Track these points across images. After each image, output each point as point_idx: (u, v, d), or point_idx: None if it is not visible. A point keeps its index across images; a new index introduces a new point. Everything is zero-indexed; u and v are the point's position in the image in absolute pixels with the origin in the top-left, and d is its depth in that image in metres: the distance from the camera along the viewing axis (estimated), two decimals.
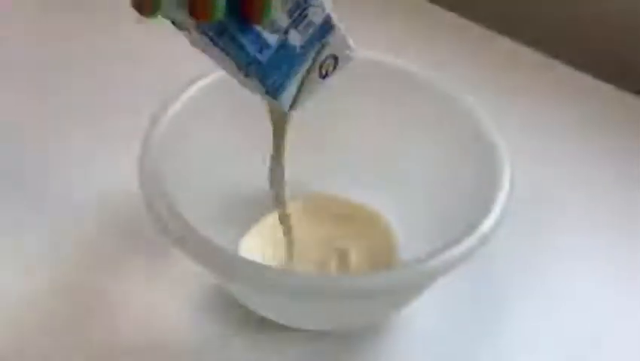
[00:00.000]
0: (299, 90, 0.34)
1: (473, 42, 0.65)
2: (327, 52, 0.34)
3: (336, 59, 0.34)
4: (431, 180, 0.45)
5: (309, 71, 0.34)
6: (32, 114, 0.56)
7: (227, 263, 0.35)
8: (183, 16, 0.29)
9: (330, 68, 0.34)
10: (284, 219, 0.42)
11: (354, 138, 0.47)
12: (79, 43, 0.62)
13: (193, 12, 0.28)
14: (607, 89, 0.61)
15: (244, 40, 0.31)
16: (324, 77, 0.34)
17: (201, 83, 0.43)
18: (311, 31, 0.33)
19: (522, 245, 0.48)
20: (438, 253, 0.35)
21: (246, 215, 0.47)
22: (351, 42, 0.34)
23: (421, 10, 0.69)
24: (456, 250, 0.35)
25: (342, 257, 0.46)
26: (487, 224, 0.37)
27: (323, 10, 0.32)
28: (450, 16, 0.68)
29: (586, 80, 0.62)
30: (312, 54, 0.33)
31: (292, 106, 0.35)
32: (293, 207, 0.46)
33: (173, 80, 0.42)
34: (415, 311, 0.44)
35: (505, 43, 0.65)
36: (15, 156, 0.53)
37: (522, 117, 0.58)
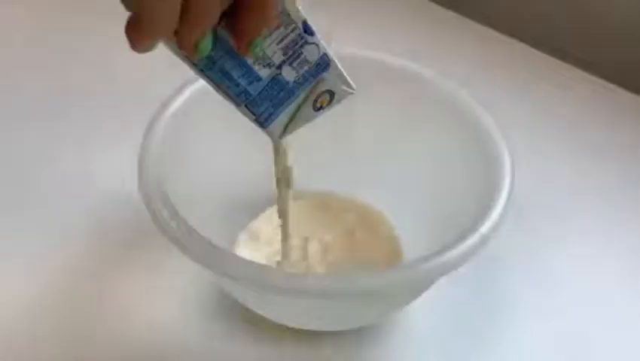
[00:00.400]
0: (291, 119, 0.35)
1: (474, 41, 0.65)
2: (322, 87, 0.34)
3: (332, 94, 0.35)
4: (432, 181, 0.45)
5: (302, 104, 0.34)
6: (31, 114, 0.56)
7: (227, 263, 0.35)
8: (174, 49, 0.30)
9: (326, 102, 0.35)
10: (283, 224, 0.42)
11: (354, 137, 0.47)
12: (79, 41, 0.62)
13: (181, 46, 0.29)
14: (610, 88, 0.61)
15: (234, 73, 0.32)
16: (318, 109, 0.35)
17: (200, 83, 0.43)
18: (306, 68, 0.33)
19: (523, 245, 0.48)
20: (438, 253, 0.35)
21: (245, 214, 0.47)
22: (349, 79, 0.35)
23: (421, 8, 0.69)
24: (456, 251, 0.35)
25: (343, 256, 0.46)
26: (488, 225, 0.36)
27: (319, 49, 0.33)
28: (450, 15, 0.68)
29: (588, 79, 0.62)
30: (307, 89, 0.34)
31: (283, 134, 0.36)
32: (295, 206, 0.46)
33: (173, 80, 0.42)
34: (415, 311, 0.44)
35: (507, 43, 0.65)
36: (14, 155, 0.53)
37: (524, 116, 0.58)
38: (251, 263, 0.36)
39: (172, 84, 0.42)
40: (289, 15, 0.31)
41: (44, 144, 0.54)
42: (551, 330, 0.44)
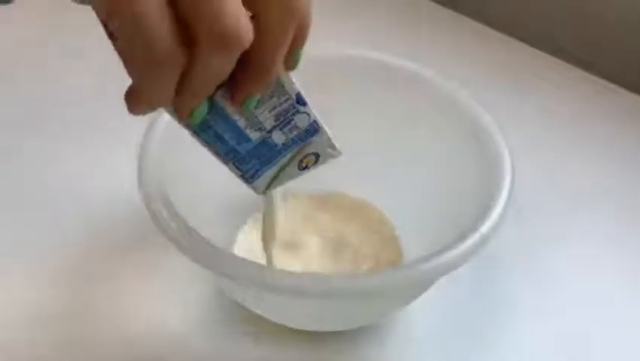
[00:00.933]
0: (275, 177, 0.36)
1: (474, 41, 0.65)
2: (309, 150, 0.35)
3: (318, 156, 0.36)
4: (432, 181, 0.45)
5: (288, 164, 0.36)
6: (31, 115, 0.56)
7: (226, 263, 0.35)
8: (168, 110, 0.31)
9: (312, 163, 0.36)
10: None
11: (353, 137, 0.47)
12: (79, 41, 0.62)
13: (177, 112, 0.30)
14: (610, 87, 0.61)
15: (226, 135, 0.33)
16: (303, 169, 0.36)
17: None
18: (295, 132, 0.34)
19: (523, 245, 0.48)
20: (438, 253, 0.35)
21: (245, 214, 0.47)
22: (336, 143, 0.36)
23: (421, 8, 0.69)
24: (456, 251, 0.35)
25: (342, 256, 0.46)
26: (488, 225, 0.36)
27: (310, 117, 0.34)
28: (451, 15, 0.68)
29: (589, 79, 0.62)
30: (294, 150, 0.35)
31: (267, 189, 0.37)
32: (299, 202, 0.46)
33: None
34: (415, 311, 0.44)
35: (507, 42, 0.65)
36: (14, 155, 0.53)
37: (524, 116, 0.58)
38: (250, 263, 0.36)
39: None
40: (283, 86, 0.32)
41: (43, 145, 0.54)
42: (551, 330, 0.44)
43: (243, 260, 0.36)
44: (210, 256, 0.35)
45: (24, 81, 0.59)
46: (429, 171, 0.45)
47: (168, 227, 0.36)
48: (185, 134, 0.42)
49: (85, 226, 0.48)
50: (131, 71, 0.27)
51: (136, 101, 0.28)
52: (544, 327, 0.44)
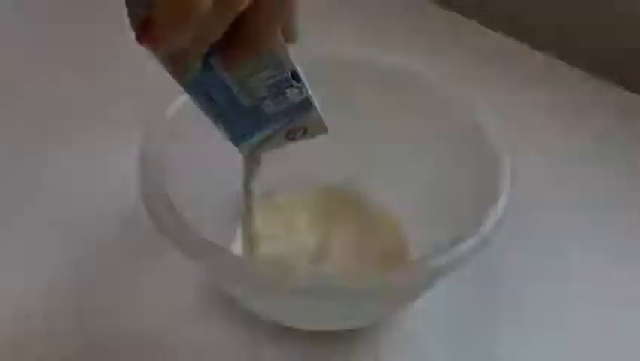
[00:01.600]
0: (262, 143, 0.37)
1: (474, 41, 0.65)
2: (298, 123, 0.36)
3: (305, 130, 0.37)
4: (432, 181, 0.45)
5: (276, 134, 0.36)
6: (31, 115, 0.56)
7: (225, 263, 0.35)
8: (166, 66, 0.32)
9: (299, 136, 0.37)
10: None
11: (353, 138, 0.47)
12: (79, 42, 0.62)
13: (173, 65, 0.31)
14: (610, 88, 0.61)
15: (218, 97, 0.34)
16: (290, 140, 0.37)
17: None
18: (286, 105, 0.35)
19: (523, 245, 0.48)
20: (439, 253, 0.35)
21: None
22: (324, 121, 0.37)
23: (420, 8, 0.69)
24: (457, 251, 0.35)
25: (349, 251, 0.46)
26: (488, 225, 0.36)
27: (302, 92, 0.35)
28: (450, 15, 0.68)
29: (588, 79, 0.62)
30: (283, 122, 0.36)
31: (252, 154, 0.38)
32: (303, 199, 0.47)
33: (172, 80, 0.42)
34: (415, 311, 0.44)
35: (507, 43, 0.65)
36: (14, 155, 0.53)
37: (524, 116, 0.58)
38: (249, 263, 0.36)
39: (171, 84, 0.42)
40: (280, 61, 0.33)
41: (44, 145, 0.54)
42: (551, 330, 0.44)
43: (242, 259, 0.36)
44: (210, 256, 0.35)
45: (24, 81, 0.59)
46: (429, 171, 0.45)
47: (167, 226, 0.36)
48: (186, 134, 0.42)
49: (85, 226, 0.48)
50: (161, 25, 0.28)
51: (154, 39, 0.29)
52: (544, 327, 0.44)
